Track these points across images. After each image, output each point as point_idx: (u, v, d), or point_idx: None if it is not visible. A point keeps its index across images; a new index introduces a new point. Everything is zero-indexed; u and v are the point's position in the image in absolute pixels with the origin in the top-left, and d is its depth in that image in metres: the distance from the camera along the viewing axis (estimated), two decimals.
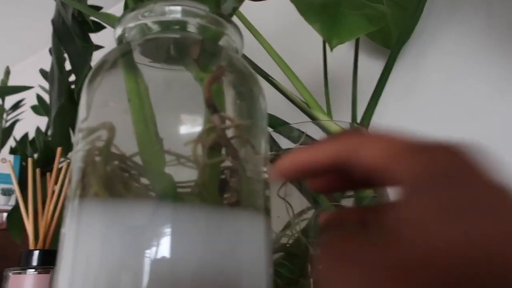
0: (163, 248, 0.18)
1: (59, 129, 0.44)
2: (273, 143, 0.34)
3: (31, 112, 0.83)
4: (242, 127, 0.23)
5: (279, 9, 0.31)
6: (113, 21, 0.26)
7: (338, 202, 0.31)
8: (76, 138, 0.22)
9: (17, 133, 0.78)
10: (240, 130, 0.23)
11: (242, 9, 0.40)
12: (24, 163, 0.59)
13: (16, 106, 0.79)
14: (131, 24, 0.24)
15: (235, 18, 0.43)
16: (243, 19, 0.39)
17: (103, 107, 0.22)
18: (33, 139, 0.73)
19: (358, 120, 0.37)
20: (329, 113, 0.37)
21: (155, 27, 0.24)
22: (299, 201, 0.31)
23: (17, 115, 0.79)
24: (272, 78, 0.39)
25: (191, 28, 0.25)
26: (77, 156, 0.21)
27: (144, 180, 0.22)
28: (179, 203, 0.20)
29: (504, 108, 0.42)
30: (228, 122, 0.23)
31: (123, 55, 0.24)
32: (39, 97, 0.78)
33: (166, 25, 0.24)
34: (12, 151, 0.75)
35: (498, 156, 0.15)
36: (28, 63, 1.18)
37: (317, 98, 0.38)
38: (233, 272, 0.19)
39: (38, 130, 0.71)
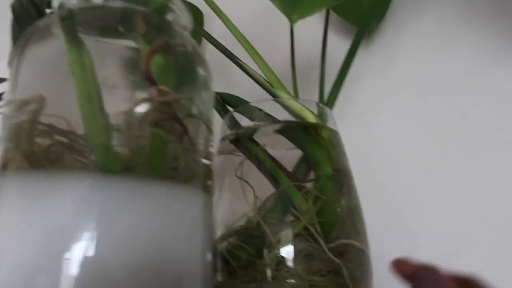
0: (86, 222, 0.17)
1: None
2: (234, 122, 0.33)
3: None
4: (182, 101, 0.22)
5: None
6: None
7: (300, 182, 0.30)
8: (3, 110, 0.21)
9: None
10: (181, 105, 0.22)
11: None
12: None
13: None
14: None
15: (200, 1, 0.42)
16: (209, 2, 0.38)
17: (33, 78, 0.21)
18: None
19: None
20: (295, 93, 0.36)
21: None
22: (258, 180, 0.30)
23: None
24: (239, 59, 0.38)
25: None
26: (4, 129, 0.20)
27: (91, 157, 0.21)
28: (110, 177, 0.19)
29: (485, 80, 0.41)
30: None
31: (63, 20, 0.23)
32: None
33: None
34: None
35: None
36: None
37: (286, 79, 0.37)
38: (165, 249, 0.18)
39: None
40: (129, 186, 0.19)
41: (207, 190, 0.22)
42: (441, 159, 0.42)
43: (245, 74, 0.38)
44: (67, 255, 0.17)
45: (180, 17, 0.26)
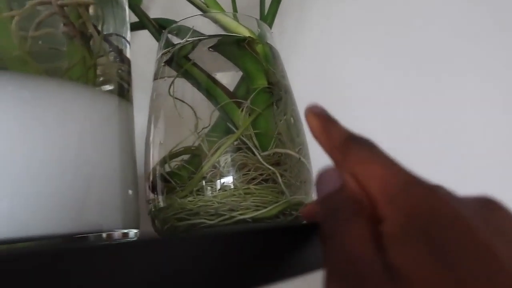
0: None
1: None
2: (168, 43, 0.31)
3: None
4: (84, 4, 0.21)
5: None
6: None
7: (236, 97, 0.29)
8: None
9: None
10: (83, 10, 0.21)
11: None
12: None
13: None
14: None
15: None
16: None
17: None
18: None
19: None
20: (235, 10, 0.34)
21: None
22: (192, 97, 0.29)
23: None
24: None
25: None
26: None
27: None
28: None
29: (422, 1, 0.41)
30: None
31: None
32: None
33: None
34: None
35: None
36: None
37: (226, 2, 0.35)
38: (76, 148, 0.18)
39: None
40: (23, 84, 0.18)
41: (125, 98, 0.21)
42: (389, 81, 0.42)
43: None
44: None
45: None
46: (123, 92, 0.21)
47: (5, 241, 0.16)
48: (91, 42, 0.20)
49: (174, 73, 0.31)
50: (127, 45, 0.23)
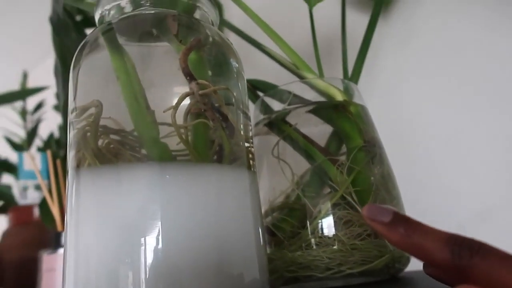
0: (155, 207, 0.20)
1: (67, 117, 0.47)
2: (266, 107, 0.35)
3: (53, 111, 0.87)
4: (219, 91, 0.24)
5: None
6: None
7: (333, 155, 0.32)
8: (69, 118, 0.24)
9: (44, 132, 0.83)
10: (218, 94, 0.24)
11: None
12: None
13: (38, 107, 0.83)
14: (108, 6, 0.26)
15: None
16: None
17: (89, 86, 0.24)
18: (59, 138, 0.77)
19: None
20: (320, 72, 0.37)
21: (130, 7, 0.26)
22: (293, 158, 0.32)
23: (40, 115, 0.83)
24: (263, 45, 0.40)
25: (165, 4, 0.27)
26: (72, 133, 0.23)
27: (142, 150, 0.24)
28: (170, 164, 0.22)
29: (499, 45, 0.41)
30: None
31: (105, 33, 0.25)
32: (58, 96, 0.82)
33: (139, 3, 0.25)
34: (39, 150, 0.80)
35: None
36: (46, 66, 1.22)
37: (310, 60, 0.38)
38: (223, 228, 0.21)
39: (60, 127, 0.75)
40: (182, 171, 0.21)
41: (251, 169, 0.24)
42: (467, 122, 0.43)
43: (269, 59, 0.40)
44: (142, 242, 0.19)
45: (207, 14, 0.28)
46: (250, 163, 0.24)
47: None
48: (226, 126, 0.23)
49: (270, 132, 0.34)
50: (249, 123, 0.26)
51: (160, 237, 0.20)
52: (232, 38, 0.57)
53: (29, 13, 1.00)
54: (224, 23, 0.44)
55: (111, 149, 0.23)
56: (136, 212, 0.20)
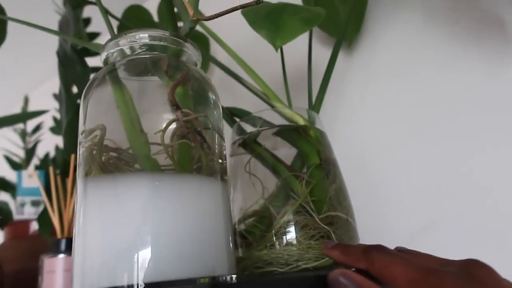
0: (147, 208, 0.26)
1: (69, 139, 0.53)
2: (241, 130, 0.41)
3: (50, 133, 0.93)
4: (199, 118, 0.31)
5: (243, 24, 0.38)
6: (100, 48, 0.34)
7: (296, 172, 0.38)
8: (79, 138, 0.30)
9: (41, 152, 0.88)
10: (198, 120, 0.31)
11: (213, 27, 0.47)
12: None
13: (36, 129, 0.89)
14: (112, 50, 0.32)
15: (207, 35, 0.50)
16: (213, 35, 0.46)
17: (96, 113, 0.30)
18: (54, 157, 0.83)
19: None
20: (289, 101, 0.44)
21: (129, 51, 0.32)
22: (263, 173, 0.38)
23: (38, 136, 0.89)
24: (241, 78, 0.46)
25: (158, 49, 0.33)
26: (81, 151, 0.29)
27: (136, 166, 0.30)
28: (160, 174, 0.28)
29: (451, 81, 0.49)
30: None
31: (109, 72, 0.32)
32: (55, 119, 0.88)
33: (137, 48, 0.32)
34: (37, 168, 0.85)
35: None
36: (43, 89, 1.28)
37: (281, 90, 0.45)
38: (200, 226, 0.27)
39: (57, 147, 0.80)
40: (168, 180, 0.27)
41: (224, 182, 0.30)
42: (417, 146, 0.50)
43: (247, 90, 0.46)
44: (136, 236, 0.25)
45: (191, 56, 0.34)
46: (223, 176, 0.30)
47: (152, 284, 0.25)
48: (204, 146, 0.30)
49: (243, 151, 0.41)
50: (223, 144, 0.32)
51: (150, 232, 0.25)
52: (216, 72, 0.65)
53: (30, 43, 1.06)
54: (209, 59, 0.51)
55: (111, 164, 0.29)
56: (132, 213, 0.26)
